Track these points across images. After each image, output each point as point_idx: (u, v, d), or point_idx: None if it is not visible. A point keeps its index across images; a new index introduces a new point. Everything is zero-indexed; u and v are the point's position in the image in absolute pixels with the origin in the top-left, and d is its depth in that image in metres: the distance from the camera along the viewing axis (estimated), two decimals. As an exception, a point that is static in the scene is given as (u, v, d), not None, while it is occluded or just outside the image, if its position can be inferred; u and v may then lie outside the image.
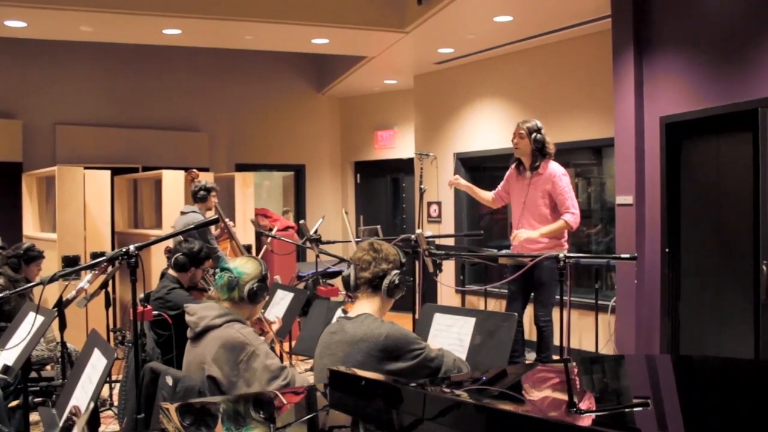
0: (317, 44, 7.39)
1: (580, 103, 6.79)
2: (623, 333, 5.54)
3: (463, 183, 5.45)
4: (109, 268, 4.21)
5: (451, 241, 7.73)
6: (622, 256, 4.16)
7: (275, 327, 3.77)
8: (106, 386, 4.93)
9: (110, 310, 5.11)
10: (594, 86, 6.56)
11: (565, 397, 2.10)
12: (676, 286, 5.26)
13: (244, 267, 3.06)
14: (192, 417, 1.96)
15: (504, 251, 5.53)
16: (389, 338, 2.56)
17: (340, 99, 10.43)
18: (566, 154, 6.51)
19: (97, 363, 2.43)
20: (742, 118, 4.55)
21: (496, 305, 6.99)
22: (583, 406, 1.91)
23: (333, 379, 2.03)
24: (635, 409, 1.88)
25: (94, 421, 2.12)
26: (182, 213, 6.12)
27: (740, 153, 4.71)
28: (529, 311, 5.33)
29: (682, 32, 5.09)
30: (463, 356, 2.88)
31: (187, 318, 2.99)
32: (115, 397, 4.85)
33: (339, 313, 3.01)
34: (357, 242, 5.46)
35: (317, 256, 5.76)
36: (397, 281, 2.72)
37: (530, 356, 5.81)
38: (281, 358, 4.05)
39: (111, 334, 5.33)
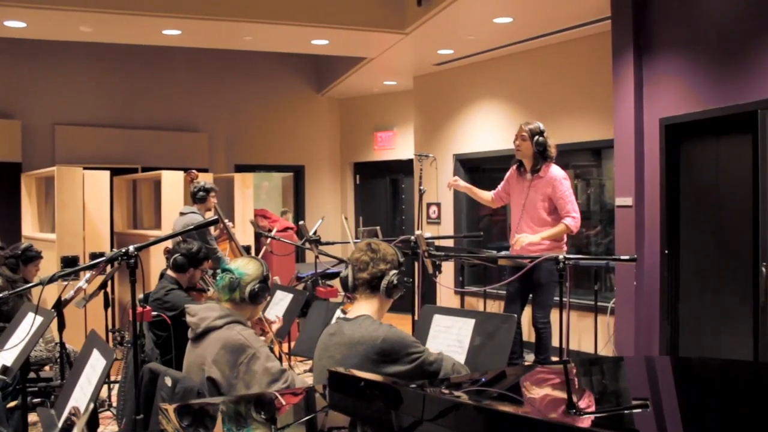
0: (317, 45, 7.39)
1: (580, 105, 6.79)
2: (622, 334, 5.54)
3: (463, 184, 5.45)
4: (108, 269, 4.21)
5: (450, 243, 7.72)
6: (622, 257, 4.16)
7: (276, 326, 3.77)
8: (105, 387, 4.92)
9: (109, 310, 5.11)
10: (594, 88, 6.57)
11: (564, 398, 2.10)
12: (676, 288, 5.26)
13: (246, 268, 3.06)
14: (190, 418, 1.96)
15: (503, 253, 5.53)
16: (386, 341, 2.54)
17: (340, 100, 10.43)
18: (566, 155, 6.51)
19: (96, 363, 2.43)
20: (742, 119, 4.55)
21: (496, 306, 6.99)
22: (582, 407, 1.91)
23: (332, 380, 2.03)
24: (634, 410, 1.88)
25: (93, 422, 2.11)
26: (181, 214, 6.11)
27: (740, 155, 4.72)
28: (527, 312, 5.33)
29: (682, 34, 5.10)
30: (463, 357, 2.87)
31: (188, 319, 2.98)
32: (114, 398, 4.85)
33: (338, 313, 3.01)
34: (356, 243, 5.45)
35: (316, 257, 5.76)
36: (395, 281, 2.71)
37: (529, 357, 5.81)
38: (280, 359, 4.05)
39: (110, 334, 5.32)
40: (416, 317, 4.14)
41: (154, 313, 4.01)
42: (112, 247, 6.94)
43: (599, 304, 5.96)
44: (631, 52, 5.37)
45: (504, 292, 5.32)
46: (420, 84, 8.83)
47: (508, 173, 5.23)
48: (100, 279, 4.54)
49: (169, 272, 4.41)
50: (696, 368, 2.50)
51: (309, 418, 2.11)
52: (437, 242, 5.35)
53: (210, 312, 2.95)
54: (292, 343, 4.77)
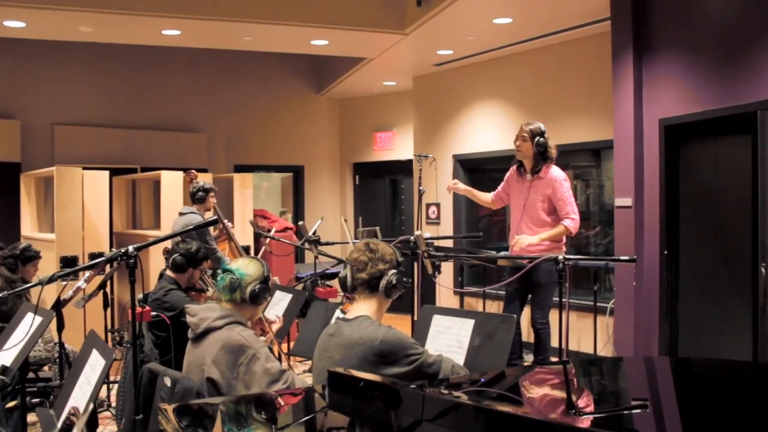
0: (316, 45, 7.39)
1: (579, 105, 6.79)
2: (622, 335, 5.54)
3: (462, 187, 5.44)
4: (108, 269, 4.21)
5: (449, 243, 7.72)
6: (621, 258, 4.15)
7: (276, 326, 3.77)
8: (104, 387, 4.92)
9: (108, 310, 5.10)
10: (593, 88, 6.57)
11: (563, 398, 2.10)
12: (675, 289, 5.26)
13: (246, 268, 3.05)
14: (190, 418, 1.96)
15: (502, 253, 5.53)
16: (384, 342, 2.53)
17: (339, 100, 10.43)
18: (565, 155, 6.51)
19: (95, 363, 2.43)
20: (741, 120, 4.55)
21: (495, 307, 6.99)
22: (581, 407, 1.90)
23: (332, 381, 2.02)
24: (634, 410, 1.88)
25: (92, 422, 2.11)
26: (181, 214, 6.11)
27: (739, 155, 4.72)
28: (526, 313, 5.33)
29: (682, 35, 5.10)
30: (462, 358, 2.87)
31: (189, 319, 2.98)
32: (113, 398, 4.84)
33: (338, 313, 3.01)
34: (355, 244, 5.45)
35: (316, 258, 5.75)
36: (394, 281, 2.69)
37: (529, 358, 5.81)
38: (279, 359, 4.04)
39: (109, 334, 5.32)
40: (416, 317, 4.13)
41: (154, 313, 4.01)
42: (111, 247, 6.94)
43: (599, 304, 5.96)
44: (630, 53, 5.37)
45: (503, 292, 5.32)
46: (419, 84, 8.83)
47: (507, 174, 5.23)
48: (99, 279, 4.54)
49: (168, 272, 4.41)
50: (695, 369, 2.50)
51: (308, 419, 2.11)
52: (437, 242, 5.34)
53: (210, 312, 2.95)
54: (292, 344, 4.77)
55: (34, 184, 7.53)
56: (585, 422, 1.75)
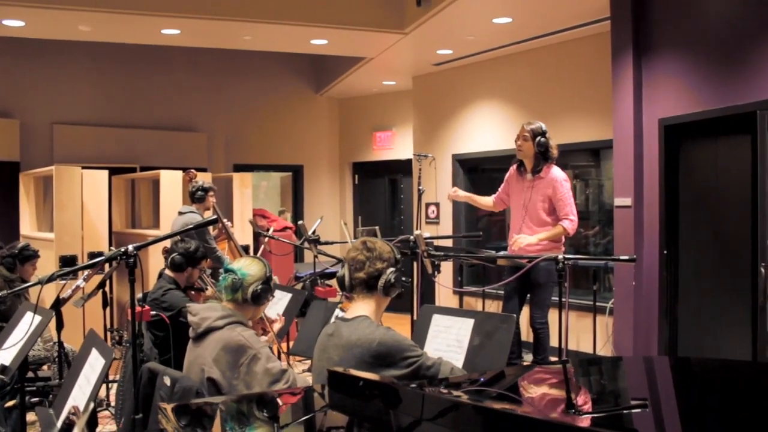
0: (316, 45, 7.39)
1: (579, 105, 6.79)
2: (621, 335, 5.54)
3: (462, 194, 5.44)
4: (107, 268, 4.20)
5: (449, 242, 7.72)
6: (621, 257, 4.16)
7: (277, 325, 3.76)
8: (104, 386, 4.92)
9: (108, 310, 5.10)
10: (593, 88, 6.57)
11: (563, 398, 2.10)
12: (675, 288, 5.26)
13: (249, 268, 3.04)
14: (189, 417, 1.96)
15: (502, 253, 5.53)
16: (382, 344, 2.51)
17: (339, 100, 10.43)
18: (565, 155, 6.49)
19: (95, 363, 2.43)
20: (741, 120, 4.55)
21: (494, 306, 6.99)
22: (581, 407, 1.90)
23: (332, 380, 2.02)
24: (633, 410, 1.88)
25: (92, 422, 2.11)
26: (180, 213, 6.11)
27: (739, 155, 4.72)
28: (525, 312, 5.33)
29: (681, 34, 5.10)
30: (462, 357, 2.87)
31: (189, 318, 2.98)
32: (113, 397, 4.84)
33: (338, 312, 3.00)
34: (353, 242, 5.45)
35: (315, 257, 5.75)
36: (392, 280, 2.67)
37: (528, 357, 5.81)
38: (279, 358, 4.04)
39: (108, 334, 5.32)
40: (415, 317, 4.13)
41: (153, 312, 4.01)
42: (110, 246, 6.93)
43: (598, 304, 5.97)
44: (630, 53, 5.37)
45: (502, 291, 5.32)
46: (419, 84, 8.83)
47: (507, 174, 5.22)
48: (98, 278, 4.54)
49: (168, 272, 4.41)
50: (695, 368, 2.50)
51: (308, 418, 2.11)
52: (436, 242, 5.34)
53: (211, 312, 2.94)
54: (291, 343, 4.76)
55: (33, 183, 7.53)
56: (585, 422, 1.75)
